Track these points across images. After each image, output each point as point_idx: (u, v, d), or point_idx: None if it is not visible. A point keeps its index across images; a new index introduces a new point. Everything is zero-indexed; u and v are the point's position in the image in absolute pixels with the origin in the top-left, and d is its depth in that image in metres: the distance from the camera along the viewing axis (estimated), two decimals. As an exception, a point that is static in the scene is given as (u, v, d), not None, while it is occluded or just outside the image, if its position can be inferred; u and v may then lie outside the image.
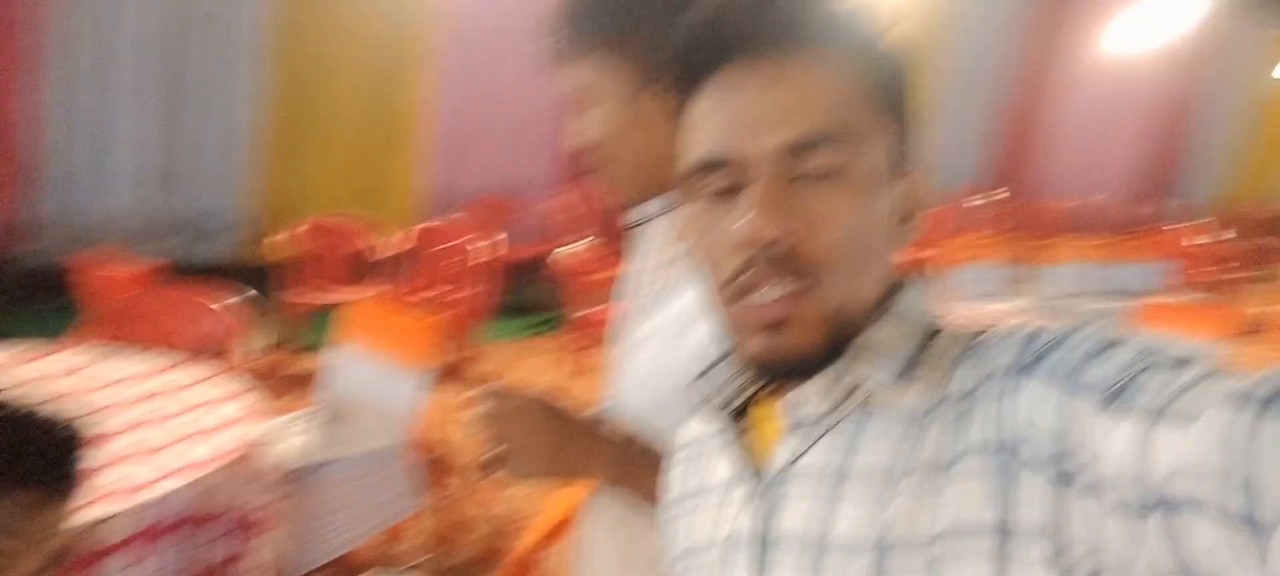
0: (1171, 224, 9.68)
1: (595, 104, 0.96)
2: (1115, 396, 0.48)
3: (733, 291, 0.62)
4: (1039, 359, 0.54)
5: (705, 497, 0.72)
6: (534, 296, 6.36)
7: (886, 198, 0.63)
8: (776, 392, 0.67)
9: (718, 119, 0.62)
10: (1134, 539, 0.45)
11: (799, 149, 0.59)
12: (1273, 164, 13.62)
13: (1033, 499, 0.51)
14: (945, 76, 9.29)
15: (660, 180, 0.98)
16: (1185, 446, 0.42)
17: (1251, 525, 0.38)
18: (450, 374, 4.45)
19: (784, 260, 0.59)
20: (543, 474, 0.92)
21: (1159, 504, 0.43)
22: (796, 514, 0.61)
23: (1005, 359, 0.57)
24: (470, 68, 6.40)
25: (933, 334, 0.64)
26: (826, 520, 0.60)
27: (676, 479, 0.78)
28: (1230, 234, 8.92)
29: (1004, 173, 10.34)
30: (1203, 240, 8.43)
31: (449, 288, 4.68)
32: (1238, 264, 8.66)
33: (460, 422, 1.70)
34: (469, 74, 6.40)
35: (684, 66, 0.65)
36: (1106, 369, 0.50)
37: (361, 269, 5.19)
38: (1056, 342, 0.55)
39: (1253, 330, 6.76)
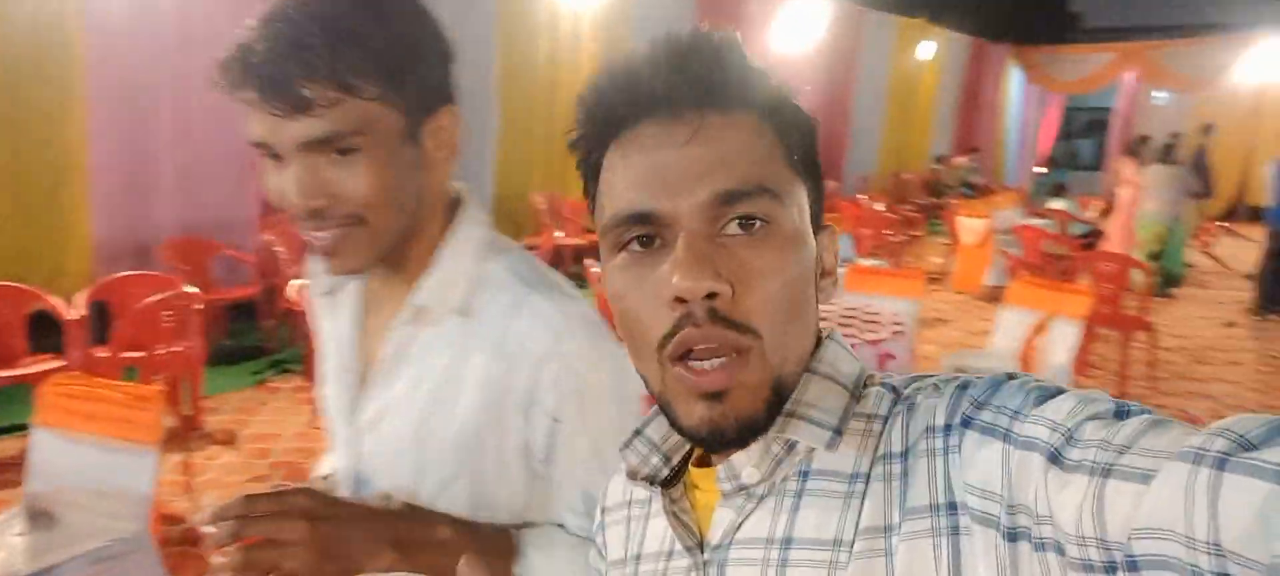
0: (847, 198, 10.95)
1: (354, 150, 0.87)
2: (1060, 451, 0.48)
3: (670, 351, 0.59)
4: (976, 410, 0.55)
5: (644, 566, 0.70)
6: (262, 338, 5.95)
7: (812, 252, 0.63)
8: (707, 456, 0.66)
9: (640, 174, 0.60)
10: None
11: (726, 202, 0.58)
12: (917, 135, 15.88)
13: (985, 557, 0.51)
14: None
15: (407, 234, 0.95)
16: (1143, 504, 0.42)
17: None
18: (176, 438, 3.97)
19: (720, 316, 0.58)
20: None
21: (1125, 563, 0.43)
22: None
23: (940, 413, 0.57)
24: (140, 108, 5.71)
25: (862, 387, 0.64)
26: None
27: (614, 542, 0.76)
28: (881, 204, 10.20)
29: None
30: (878, 209, 9.59)
31: (154, 344, 4.15)
32: (902, 228, 9.96)
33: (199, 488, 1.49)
34: (139, 114, 5.71)
35: (602, 122, 0.63)
36: (1045, 422, 0.50)
37: (45, 334, 4.45)
38: (990, 392, 0.55)
39: (933, 279, 7.89)
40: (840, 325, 4.14)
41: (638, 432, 0.70)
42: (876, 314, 4.46)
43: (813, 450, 0.61)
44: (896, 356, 4.05)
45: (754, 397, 0.59)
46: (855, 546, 0.56)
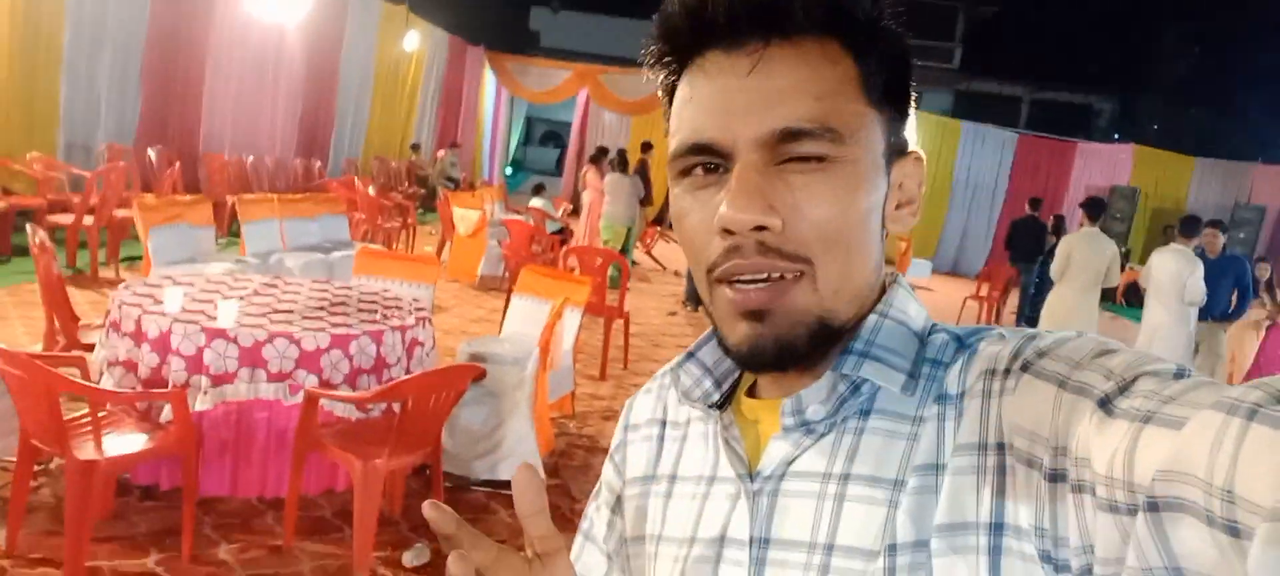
0: (337, 178, 10.44)
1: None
2: (1110, 398, 0.48)
3: (717, 275, 0.60)
4: (1038, 357, 0.55)
5: (680, 486, 0.70)
6: None
7: (880, 187, 0.61)
8: (763, 387, 0.67)
9: (703, 103, 0.60)
10: (1123, 537, 0.45)
11: (784, 139, 0.57)
12: (401, 124, 15.81)
13: (1026, 495, 0.52)
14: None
15: None
16: (1172, 449, 0.42)
17: (1234, 532, 0.38)
18: None
19: (770, 247, 0.58)
20: None
21: (1146, 504, 0.43)
22: (799, 517, 0.60)
23: (1004, 358, 0.56)
24: None
25: (928, 333, 0.64)
26: (833, 525, 0.59)
27: (636, 458, 0.75)
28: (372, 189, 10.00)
29: (158, 130, 9.67)
30: (370, 192, 9.28)
31: None
32: (392, 213, 9.81)
33: None
34: None
35: (670, 47, 0.63)
36: (1102, 372, 0.50)
37: None
38: (1055, 344, 0.55)
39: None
40: (361, 310, 3.86)
41: (690, 355, 0.70)
42: (398, 300, 4.26)
43: (877, 392, 0.61)
44: (424, 343, 3.91)
45: (796, 323, 0.59)
46: (909, 484, 0.57)
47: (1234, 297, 7.45)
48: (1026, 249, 10.34)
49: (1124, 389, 0.48)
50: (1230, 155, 18.84)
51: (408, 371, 3.73)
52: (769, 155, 0.58)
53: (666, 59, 0.64)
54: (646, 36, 0.65)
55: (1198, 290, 6.68)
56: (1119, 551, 0.45)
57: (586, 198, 10.74)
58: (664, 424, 0.75)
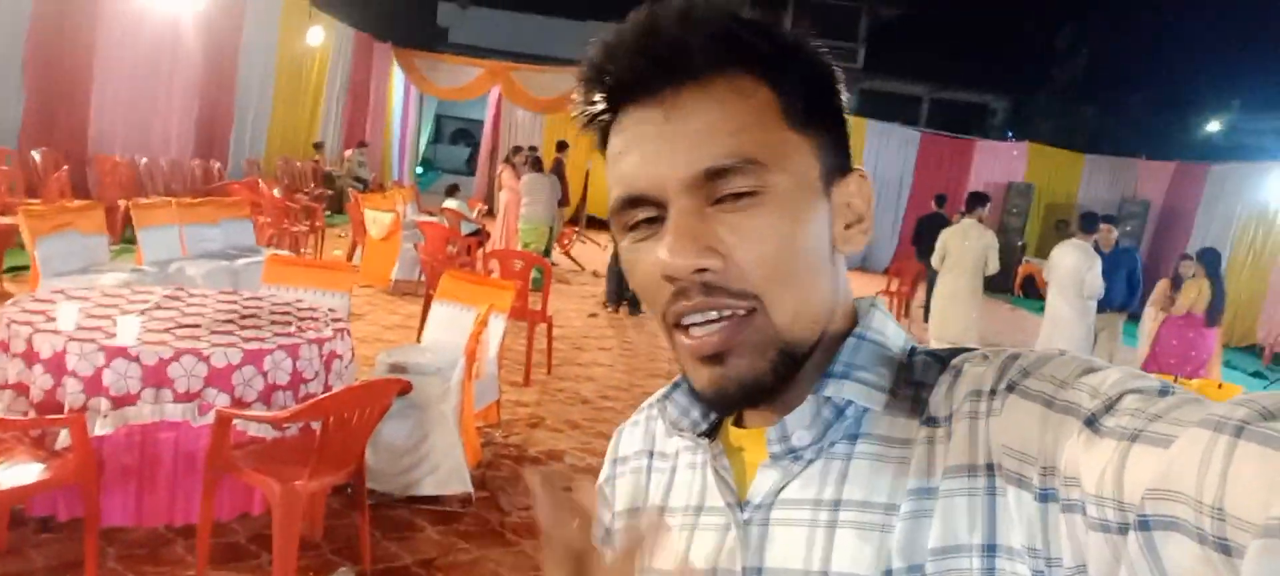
0: (239, 180, 9.99)
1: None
2: (1097, 417, 0.48)
3: (670, 321, 0.60)
4: (1023, 377, 0.55)
5: (670, 519, 0.69)
6: None
7: (819, 210, 0.61)
8: (748, 416, 0.67)
9: (630, 156, 0.60)
10: (1115, 556, 0.45)
11: (711, 177, 0.57)
12: (306, 122, 15.27)
13: (1018, 516, 0.52)
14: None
15: None
16: (1160, 467, 0.43)
17: (1226, 550, 0.39)
18: None
19: (716, 287, 0.58)
20: None
21: (1137, 522, 0.43)
22: (791, 546, 0.60)
23: (988, 379, 0.57)
24: None
25: (910, 355, 0.64)
26: (826, 552, 0.58)
27: (624, 491, 0.76)
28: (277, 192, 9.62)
29: (43, 130, 9.07)
30: (275, 194, 8.92)
31: None
32: (299, 216, 9.45)
33: None
34: None
35: (592, 109, 0.63)
36: (1088, 390, 0.50)
37: None
38: (1040, 363, 0.55)
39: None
40: (274, 322, 3.68)
41: (677, 384, 0.70)
42: (313, 310, 4.08)
43: (863, 416, 0.61)
44: (342, 355, 3.74)
45: (757, 359, 0.59)
46: (902, 509, 0.56)
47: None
48: (933, 245, 10.66)
49: (1110, 407, 0.48)
50: (1117, 152, 19.88)
51: (326, 387, 3.57)
52: (700, 198, 0.58)
53: (594, 120, 0.64)
54: (571, 100, 0.65)
55: (1097, 283, 7.00)
56: (1112, 570, 0.45)
57: (503, 198, 10.58)
58: (652, 454, 0.75)
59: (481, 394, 4.57)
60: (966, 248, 7.23)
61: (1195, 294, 7.30)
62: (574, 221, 14.63)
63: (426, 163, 23.30)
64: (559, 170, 11.12)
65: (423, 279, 7.78)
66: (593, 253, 13.57)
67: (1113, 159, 19.26)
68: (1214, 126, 30.76)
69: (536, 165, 9.96)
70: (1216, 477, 0.40)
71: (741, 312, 0.58)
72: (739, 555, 0.62)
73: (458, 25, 34.15)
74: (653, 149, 0.59)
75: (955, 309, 7.26)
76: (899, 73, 32.12)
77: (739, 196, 0.57)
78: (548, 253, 9.65)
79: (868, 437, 0.61)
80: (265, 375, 3.30)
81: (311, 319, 3.87)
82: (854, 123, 19.21)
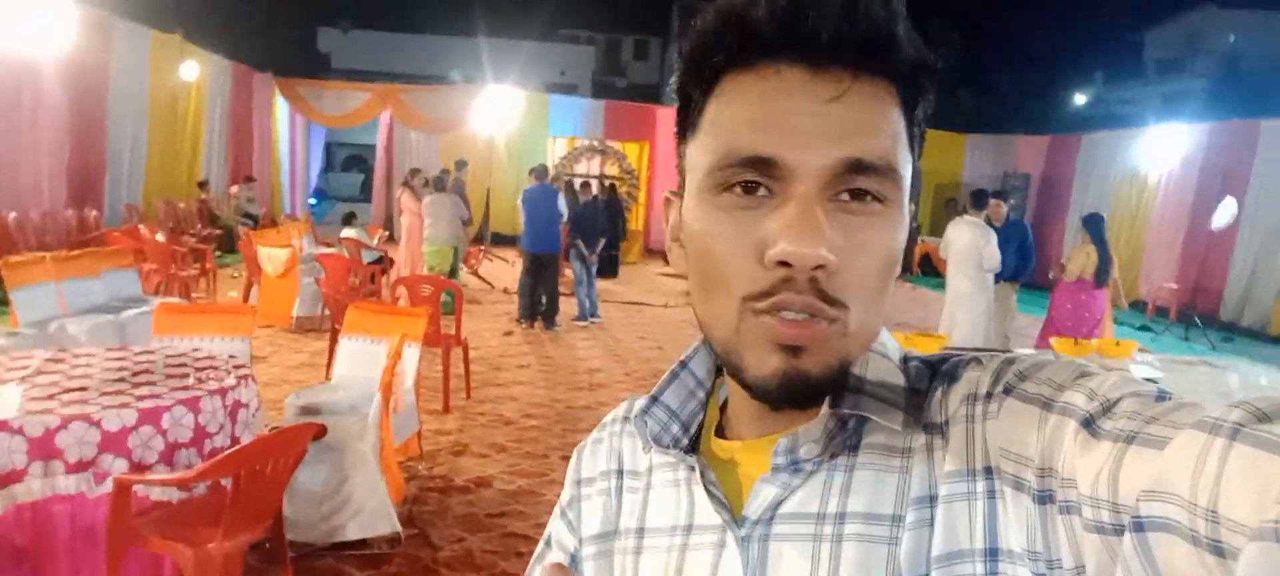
0: (118, 227, 9.44)
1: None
2: (1094, 419, 0.48)
3: (763, 306, 0.56)
4: (1020, 380, 0.55)
5: (651, 539, 0.66)
6: None
7: (904, 236, 0.59)
8: (740, 427, 0.65)
9: (766, 116, 0.56)
10: (1112, 557, 0.45)
11: (853, 170, 0.55)
12: (187, 161, 14.58)
13: (1017, 519, 0.51)
14: None
15: None
16: (1155, 469, 0.43)
17: (1219, 552, 0.39)
18: None
19: (820, 286, 0.55)
20: None
21: (1132, 524, 0.43)
22: (795, 562, 0.58)
23: (985, 382, 0.56)
24: None
25: (903, 362, 0.63)
26: (833, 567, 0.57)
27: (592, 514, 0.72)
28: (161, 235, 9.12)
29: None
30: (159, 238, 8.45)
31: None
32: (190, 261, 8.99)
33: None
34: None
35: (737, 40, 0.56)
36: (1085, 393, 0.50)
37: None
38: (1036, 367, 0.55)
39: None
40: (170, 376, 3.45)
41: (655, 399, 0.68)
42: (211, 358, 3.85)
43: (863, 426, 0.60)
44: (248, 404, 3.54)
45: (826, 362, 0.57)
46: (907, 519, 0.56)
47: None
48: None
49: (1107, 409, 0.48)
50: (995, 130, 20.81)
51: (233, 439, 3.36)
52: (829, 189, 0.55)
53: (721, 54, 0.57)
54: (700, 18, 0.59)
55: (994, 257, 7.27)
56: (1109, 571, 0.45)
57: (404, 222, 10.30)
58: (620, 473, 0.72)
59: (401, 427, 4.41)
60: None
61: (1084, 259, 7.65)
62: (479, 239, 14.39)
63: (319, 193, 22.58)
64: (459, 189, 10.91)
65: (327, 313, 7.50)
66: (501, 270, 13.38)
67: (993, 137, 20.15)
68: (1081, 100, 32.62)
69: (439, 185, 9.73)
70: (1210, 480, 0.40)
71: (827, 320, 0.56)
72: (741, 573, 0.59)
73: (340, 50, 33.32)
74: (805, 121, 0.55)
75: None
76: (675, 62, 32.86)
77: (864, 201, 0.56)
78: (455, 274, 9.44)
79: (870, 448, 0.59)
80: (165, 433, 3.08)
81: (211, 368, 3.65)
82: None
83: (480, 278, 12.39)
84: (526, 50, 30.52)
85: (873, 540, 0.56)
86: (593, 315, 9.82)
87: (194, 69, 14.13)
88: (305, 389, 4.48)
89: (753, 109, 0.56)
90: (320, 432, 3.23)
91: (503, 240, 16.88)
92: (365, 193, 24.58)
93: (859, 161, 0.55)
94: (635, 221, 18.64)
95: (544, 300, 9.35)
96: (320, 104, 18.78)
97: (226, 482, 2.92)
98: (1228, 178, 12.72)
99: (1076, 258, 7.72)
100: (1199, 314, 11.88)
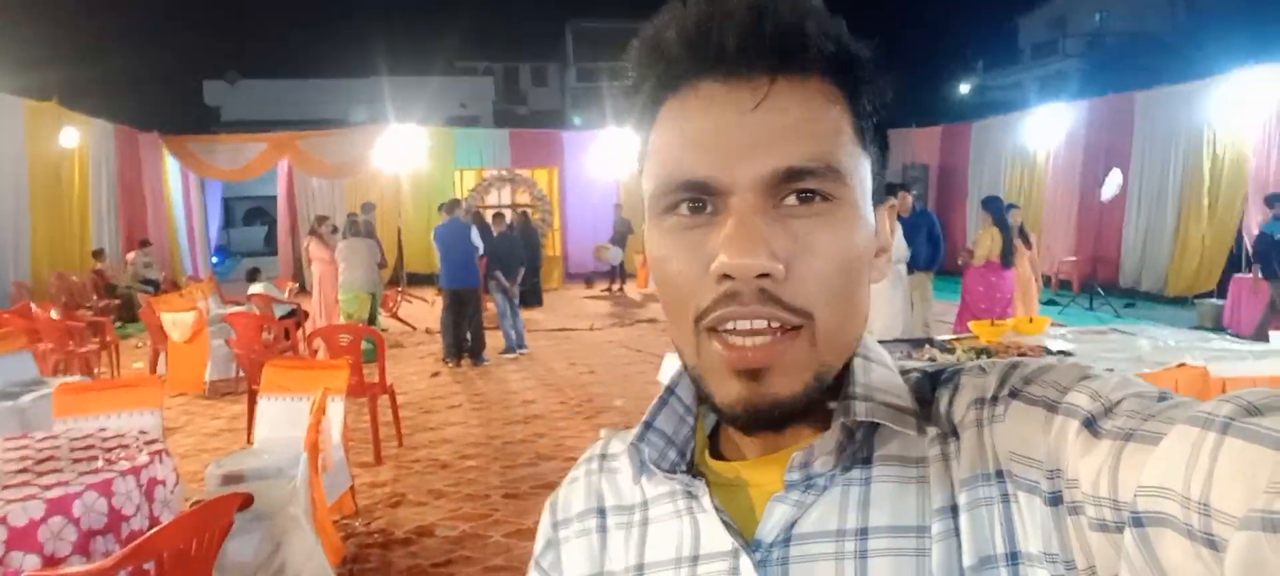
0: (6, 309, 8.88)
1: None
2: (1095, 419, 0.48)
3: (709, 324, 0.55)
4: (1025, 384, 0.55)
5: (654, 573, 0.62)
6: None
7: (870, 232, 0.58)
8: (740, 447, 0.63)
9: (696, 137, 0.55)
10: (1117, 554, 0.45)
11: (788, 178, 0.54)
12: (75, 231, 13.85)
13: (1032, 522, 0.51)
14: None
15: None
16: (1151, 464, 0.43)
17: (1213, 545, 0.39)
18: None
19: (771, 296, 0.53)
20: None
21: (1131, 520, 0.43)
22: None
23: (990, 387, 0.56)
24: None
25: (904, 375, 0.62)
26: None
27: (575, 557, 0.68)
28: (55, 312, 8.62)
29: None
30: (52, 316, 7.99)
31: None
32: (88, 336, 8.51)
33: None
34: None
35: (656, 73, 0.57)
36: (1089, 393, 0.50)
37: None
38: (1041, 371, 0.55)
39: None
40: (77, 461, 3.22)
41: (649, 425, 0.65)
42: (121, 436, 3.62)
43: (871, 438, 0.58)
44: (165, 480, 3.34)
45: (794, 380, 0.55)
46: (933, 529, 0.54)
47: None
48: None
49: (1109, 410, 0.48)
50: (890, 125, 21.40)
51: (152, 519, 3.16)
52: (768, 197, 0.54)
53: (649, 85, 0.58)
54: (626, 56, 0.60)
55: (902, 247, 7.47)
56: (1115, 569, 0.45)
57: (315, 271, 9.98)
58: (602, 512, 0.68)
59: (332, 485, 4.23)
60: None
61: (989, 242, 7.92)
62: (394, 281, 14.06)
63: (221, 250, 21.74)
64: (370, 231, 10.66)
65: (242, 375, 7.19)
66: (421, 310, 13.10)
67: (889, 130, 20.74)
68: (966, 89, 34.01)
69: (355, 230, 9.46)
70: (1203, 474, 0.40)
71: (790, 327, 0.54)
72: None
73: (229, 102, 32.25)
74: (731, 136, 0.54)
75: None
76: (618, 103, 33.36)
77: (810, 203, 0.54)
78: (375, 319, 9.19)
79: (885, 460, 0.58)
80: (77, 522, 2.87)
81: (121, 447, 3.43)
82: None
83: (401, 320, 12.10)
84: (424, 85, 30.12)
85: (901, 553, 0.54)
86: (520, 346, 9.69)
87: (74, 135, 13.47)
88: (226, 456, 4.27)
89: (682, 132, 0.56)
90: (246, 502, 3.06)
91: (418, 280, 16.55)
92: (269, 246, 23.81)
93: (790, 170, 0.53)
94: (552, 248, 18.55)
95: (469, 337, 9.17)
96: (213, 159, 18.13)
97: (149, 568, 2.74)
98: (1110, 151, 13.41)
99: (982, 241, 7.98)
100: (1100, 283, 12.45)
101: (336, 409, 4.36)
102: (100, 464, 3.19)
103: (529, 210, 17.13)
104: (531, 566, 0.72)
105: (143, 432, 3.68)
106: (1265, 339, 5.51)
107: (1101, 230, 13.91)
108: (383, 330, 10.15)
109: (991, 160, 16.67)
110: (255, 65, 31.94)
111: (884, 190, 0.61)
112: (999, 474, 0.53)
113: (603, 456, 0.71)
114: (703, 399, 0.60)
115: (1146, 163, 13.11)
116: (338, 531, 4.20)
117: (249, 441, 5.97)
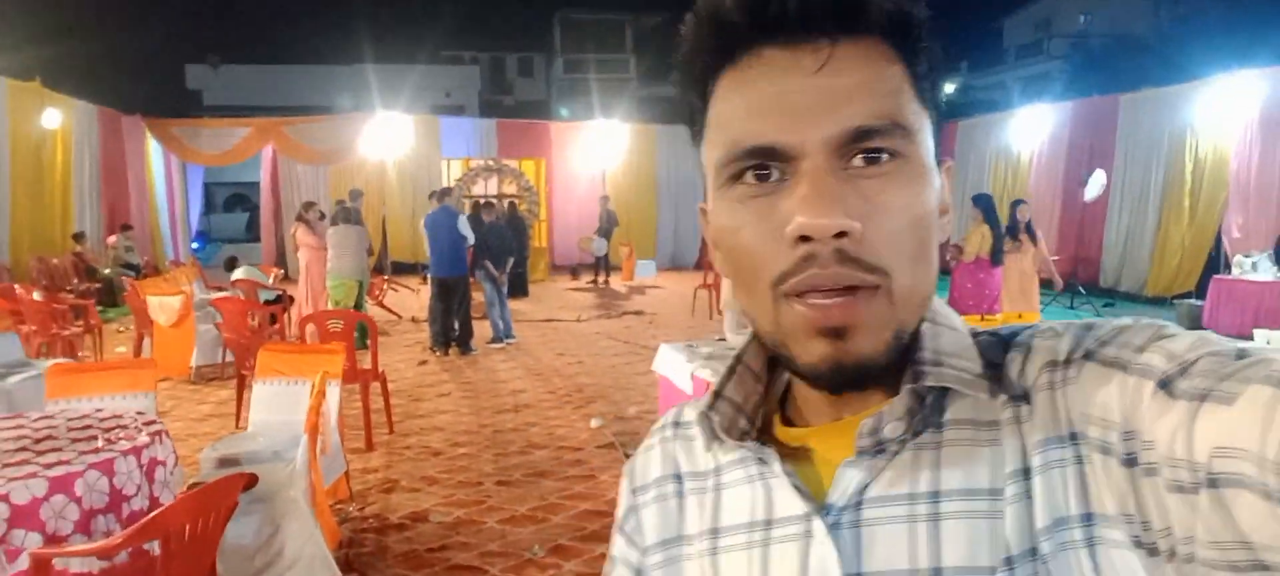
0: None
1: None
2: (1171, 380, 0.48)
3: (790, 288, 0.55)
4: (1100, 345, 0.54)
5: (727, 538, 0.64)
6: None
7: (937, 188, 0.59)
8: (811, 413, 0.64)
9: (761, 103, 0.56)
10: (1193, 515, 0.45)
11: (856, 138, 0.54)
12: (56, 213, 13.69)
13: (1107, 483, 0.51)
14: None
15: None
16: (1226, 424, 0.43)
17: None
18: None
19: (849, 256, 0.54)
20: None
21: (1207, 481, 0.44)
22: (892, 546, 0.56)
23: (1063, 349, 0.56)
24: None
25: (972, 337, 0.62)
26: (934, 547, 0.55)
27: (653, 521, 0.70)
28: (38, 294, 8.51)
29: None
30: (38, 299, 7.89)
31: None
32: (71, 319, 8.42)
33: None
34: None
35: (714, 43, 0.58)
36: (1164, 354, 0.50)
37: None
38: (1116, 332, 0.55)
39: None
40: (76, 441, 3.21)
41: (718, 394, 0.66)
42: (118, 416, 3.60)
43: (942, 402, 0.58)
44: (165, 461, 3.32)
45: (876, 338, 0.55)
46: (1006, 492, 0.54)
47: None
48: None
49: (1184, 370, 0.48)
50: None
51: (152, 500, 3.15)
52: (838, 159, 0.55)
53: (707, 57, 0.58)
54: (682, 27, 0.59)
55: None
56: (1192, 530, 0.45)
57: (301, 258, 9.91)
58: (679, 478, 0.70)
59: (328, 468, 4.23)
60: None
61: (979, 239, 7.99)
62: (379, 269, 13.99)
63: (202, 236, 21.52)
64: (359, 218, 10.60)
65: (229, 360, 7.14)
66: (406, 298, 13.05)
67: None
68: (951, 89, 34.23)
69: (346, 216, 9.40)
70: (1278, 433, 0.40)
71: (868, 287, 0.54)
72: (837, 562, 0.56)
73: (212, 87, 31.92)
74: (797, 99, 0.54)
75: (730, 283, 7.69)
76: (671, 76, 33.34)
77: (878, 162, 0.55)
78: (361, 307, 9.14)
79: (956, 424, 0.58)
80: (79, 501, 2.86)
81: (119, 427, 3.41)
82: (642, 130, 19.94)
83: (386, 309, 12.05)
84: (409, 74, 29.94)
85: (974, 515, 0.55)
86: (508, 336, 9.68)
87: (56, 116, 13.30)
88: (220, 440, 4.25)
89: (746, 99, 0.56)
90: (251, 482, 3.06)
91: (403, 268, 16.47)
92: (251, 232, 23.61)
93: (859, 129, 0.54)
94: (539, 239, 18.51)
95: (457, 326, 9.15)
96: (198, 143, 17.95)
97: (153, 548, 2.74)
98: (1094, 152, 13.56)
99: (972, 238, 8.05)
100: (1082, 282, 12.59)
101: (333, 393, 4.35)
102: (100, 443, 3.17)
103: (516, 201, 17.10)
104: (615, 531, 0.74)
105: (140, 413, 3.66)
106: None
107: (1083, 230, 14.07)
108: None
109: (976, 159, 16.80)
110: (239, 50, 31.64)
111: (940, 153, 0.62)
112: (1073, 436, 0.54)
113: (676, 424, 0.72)
114: (785, 364, 0.60)
115: (1129, 164, 13.27)
116: (334, 515, 4.20)
117: (238, 425, 5.94)
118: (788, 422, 0.66)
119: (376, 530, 4.29)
